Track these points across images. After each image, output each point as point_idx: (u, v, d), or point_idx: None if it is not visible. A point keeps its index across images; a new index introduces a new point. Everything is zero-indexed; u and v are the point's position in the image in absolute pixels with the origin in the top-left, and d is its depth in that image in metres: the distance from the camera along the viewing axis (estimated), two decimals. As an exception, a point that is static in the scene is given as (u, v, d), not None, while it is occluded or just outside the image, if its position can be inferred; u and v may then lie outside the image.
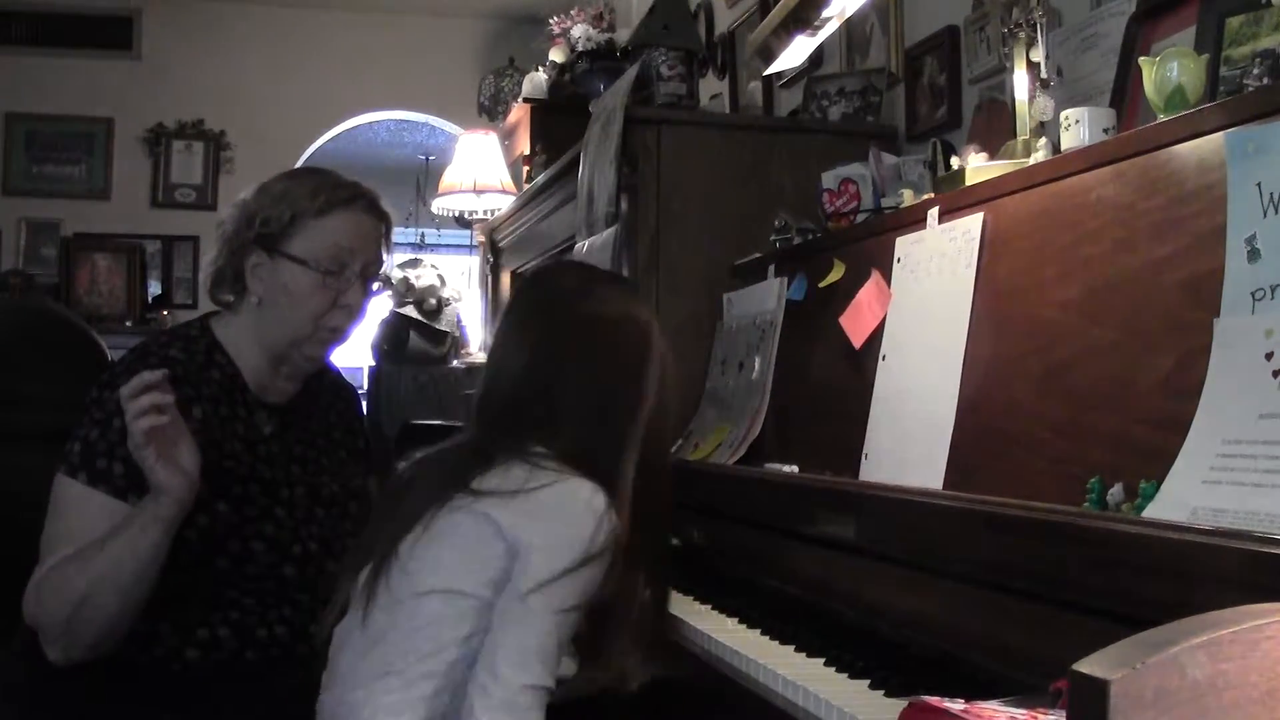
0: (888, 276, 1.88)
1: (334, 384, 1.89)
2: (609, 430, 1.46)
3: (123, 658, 1.57)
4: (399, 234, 7.86)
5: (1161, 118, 1.45)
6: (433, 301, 5.55)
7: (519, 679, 1.30)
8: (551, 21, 4.07)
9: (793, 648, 1.43)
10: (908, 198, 2.02)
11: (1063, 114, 1.68)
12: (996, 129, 2.19)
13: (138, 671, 1.58)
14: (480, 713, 1.29)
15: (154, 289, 6.08)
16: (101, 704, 1.57)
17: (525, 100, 4.36)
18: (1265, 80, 1.36)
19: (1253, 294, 1.17)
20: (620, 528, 1.38)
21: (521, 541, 1.33)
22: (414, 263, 5.72)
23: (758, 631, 1.52)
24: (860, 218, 2.23)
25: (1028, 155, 1.77)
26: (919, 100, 2.72)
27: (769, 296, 2.29)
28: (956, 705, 0.97)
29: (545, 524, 1.34)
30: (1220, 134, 1.26)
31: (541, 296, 1.60)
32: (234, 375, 1.70)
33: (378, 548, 1.41)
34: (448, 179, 5.07)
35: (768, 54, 2.43)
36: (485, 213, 4.85)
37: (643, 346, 1.53)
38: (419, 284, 5.55)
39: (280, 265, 1.69)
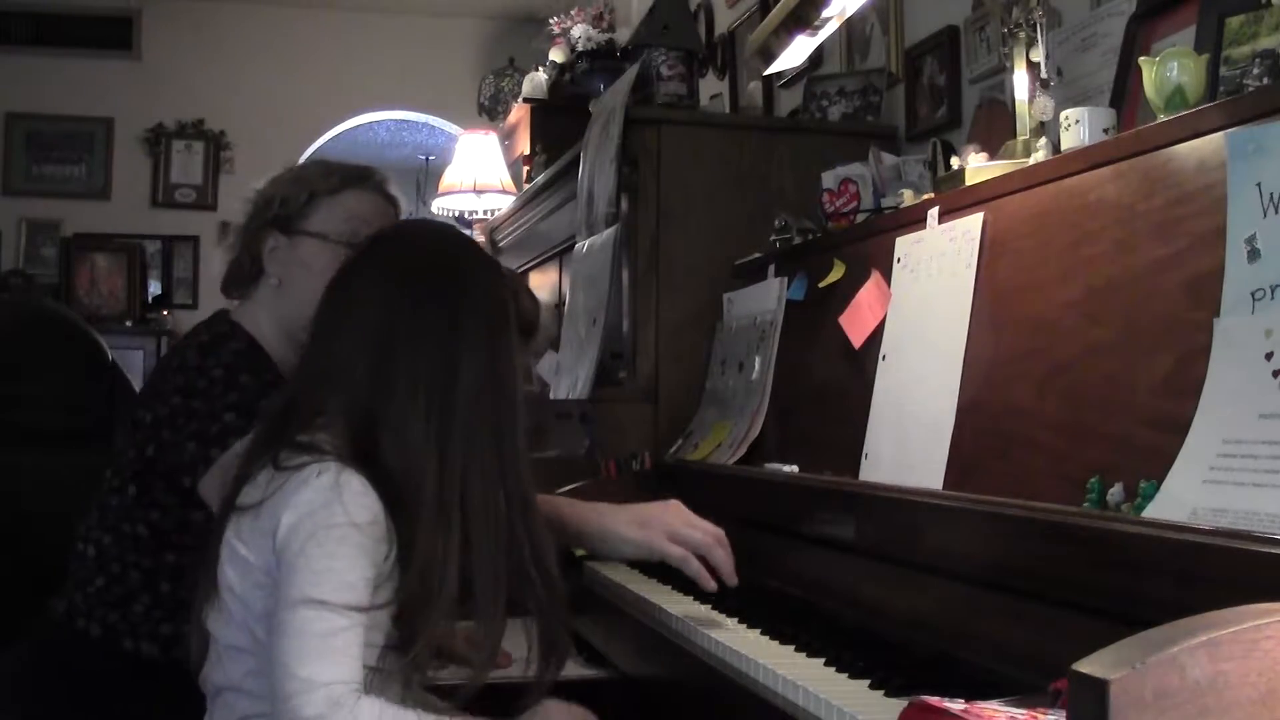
0: (888, 276, 1.88)
1: None
2: (413, 405, 1.32)
3: (141, 659, 1.57)
4: (399, 234, 7.79)
5: (1161, 118, 1.45)
6: (433, 301, 5.54)
7: (297, 680, 1.18)
8: (551, 21, 4.07)
9: (793, 648, 1.42)
10: (908, 198, 2.02)
11: (1063, 114, 1.68)
12: (996, 129, 2.19)
13: (155, 672, 1.58)
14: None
15: (154, 289, 6.08)
16: (113, 705, 1.57)
17: (525, 100, 4.36)
18: (1265, 80, 1.36)
19: (1253, 294, 1.17)
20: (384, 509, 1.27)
21: (272, 550, 1.26)
22: (414, 262, 5.70)
23: (758, 631, 1.52)
24: (860, 218, 2.22)
25: (1028, 155, 1.77)
26: (919, 100, 2.72)
27: (769, 296, 2.29)
28: (956, 705, 0.97)
29: (284, 520, 1.25)
30: (1220, 134, 1.26)
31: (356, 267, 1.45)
32: (268, 360, 1.71)
33: (200, 588, 1.35)
34: (448, 179, 5.06)
35: (768, 54, 2.43)
36: (485, 213, 4.84)
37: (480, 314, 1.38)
38: (419, 284, 5.54)
39: (299, 243, 1.71)
